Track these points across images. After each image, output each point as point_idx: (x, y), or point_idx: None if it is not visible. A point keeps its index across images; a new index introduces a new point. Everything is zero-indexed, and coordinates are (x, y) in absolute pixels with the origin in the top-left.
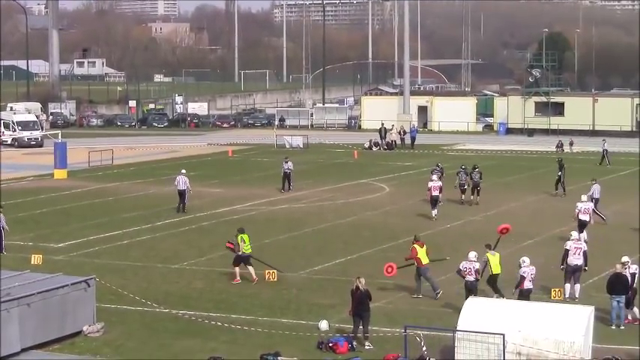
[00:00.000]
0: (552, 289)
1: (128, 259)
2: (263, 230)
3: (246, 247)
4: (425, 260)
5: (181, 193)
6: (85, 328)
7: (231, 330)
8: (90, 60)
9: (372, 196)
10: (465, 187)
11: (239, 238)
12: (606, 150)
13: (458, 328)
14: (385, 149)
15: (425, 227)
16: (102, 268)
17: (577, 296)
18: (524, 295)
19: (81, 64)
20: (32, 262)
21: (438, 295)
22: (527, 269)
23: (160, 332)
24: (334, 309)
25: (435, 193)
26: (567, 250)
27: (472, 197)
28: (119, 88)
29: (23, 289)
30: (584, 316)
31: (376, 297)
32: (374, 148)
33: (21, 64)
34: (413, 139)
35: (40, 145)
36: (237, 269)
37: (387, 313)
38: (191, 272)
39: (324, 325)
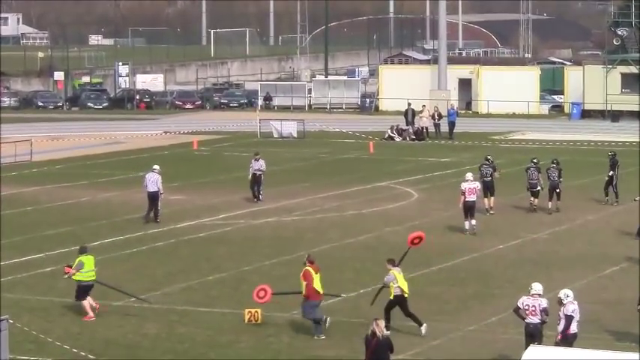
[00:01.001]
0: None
1: (53, 293)
2: (241, 253)
3: (86, 274)
4: (321, 292)
5: (152, 197)
6: None
7: None
8: (1, 16)
9: (393, 205)
10: (538, 188)
11: (77, 260)
12: None
13: None
14: (413, 139)
15: (467, 249)
16: (16, 305)
17: None
18: (569, 341)
19: None
20: None
21: (328, 323)
22: (576, 307)
23: None
24: None
25: (471, 197)
26: None
27: (550, 203)
28: (40, 55)
29: None
30: None
31: (400, 346)
32: (397, 138)
33: None
34: (452, 125)
35: None
36: (85, 302)
37: None
38: (141, 312)
39: None
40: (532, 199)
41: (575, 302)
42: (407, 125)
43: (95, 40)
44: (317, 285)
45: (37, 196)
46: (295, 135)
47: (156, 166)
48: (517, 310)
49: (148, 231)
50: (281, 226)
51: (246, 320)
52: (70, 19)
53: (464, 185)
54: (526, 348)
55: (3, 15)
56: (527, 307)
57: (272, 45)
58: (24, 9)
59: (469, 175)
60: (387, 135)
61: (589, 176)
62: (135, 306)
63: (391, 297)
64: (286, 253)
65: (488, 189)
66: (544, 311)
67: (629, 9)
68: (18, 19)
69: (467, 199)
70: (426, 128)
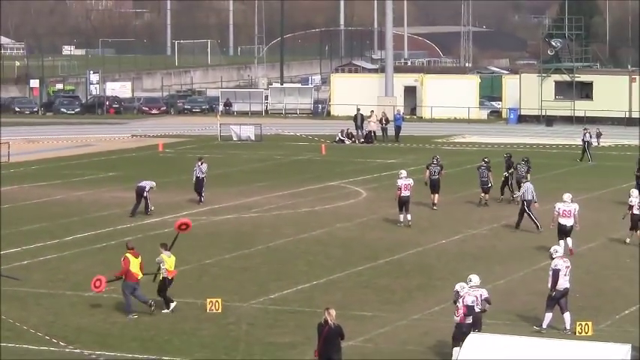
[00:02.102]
0: (578, 323)
1: (28, 284)
2: (204, 247)
3: None
4: (140, 274)
5: (138, 192)
6: None
7: None
8: None
9: (344, 203)
10: (489, 185)
11: None
12: (588, 142)
13: None
14: (362, 142)
15: (412, 243)
16: None
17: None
18: (463, 331)
19: None
20: None
21: (153, 308)
22: (471, 291)
23: None
24: (295, 349)
25: (406, 192)
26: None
27: (515, 194)
28: (17, 64)
29: None
30: (619, 356)
31: (350, 333)
32: (347, 141)
33: None
34: (398, 129)
35: None
36: None
37: (365, 355)
38: (110, 301)
39: None
40: (483, 194)
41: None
42: (356, 129)
43: (68, 50)
44: (134, 268)
45: (14, 194)
46: (253, 138)
47: None
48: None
49: (117, 227)
50: (240, 222)
51: (207, 309)
52: (44, 30)
53: (399, 182)
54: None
55: None
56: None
57: (232, 55)
58: (1, 21)
59: (403, 172)
60: (337, 138)
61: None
62: (104, 296)
63: (160, 278)
64: (245, 247)
65: (434, 187)
66: (486, 300)
67: (563, 22)
68: None
69: (402, 195)
70: (374, 132)
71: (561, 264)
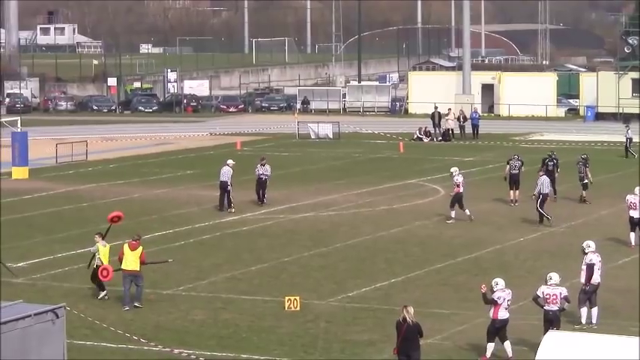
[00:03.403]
0: None
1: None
2: (282, 245)
3: None
4: (132, 266)
5: (222, 186)
6: None
7: None
8: (57, 26)
9: (422, 201)
10: (584, 181)
11: None
12: (630, 138)
13: None
14: (440, 140)
15: (490, 241)
16: (74, 293)
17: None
18: (496, 326)
19: (46, 32)
20: None
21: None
22: (502, 294)
23: None
24: (374, 347)
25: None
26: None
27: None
28: (95, 62)
29: None
30: None
31: (428, 331)
32: (425, 139)
33: None
34: (475, 127)
35: None
36: None
37: (443, 352)
38: (189, 299)
39: None
40: (583, 192)
41: (508, 290)
42: (434, 127)
43: (145, 48)
44: (128, 258)
45: (92, 192)
46: (331, 136)
47: (230, 161)
48: (536, 298)
49: (196, 225)
50: (318, 220)
51: (286, 307)
52: (121, 29)
53: (458, 179)
54: (545, 333)
55: (60, 25)
56: (547, 296)
57: (309, 53)
58: (79, 20)
59: (456, 169)
60: (415, 136)
61: (602, 174)
62: (183, 294)
63: (94, 267)
64: (323, 245)
65: (514, 182)
66: (565, 299)
67: (639, 19)
68: (74, 29)
69: (459, 192)
70: (452, 130)
71: (595, 258)
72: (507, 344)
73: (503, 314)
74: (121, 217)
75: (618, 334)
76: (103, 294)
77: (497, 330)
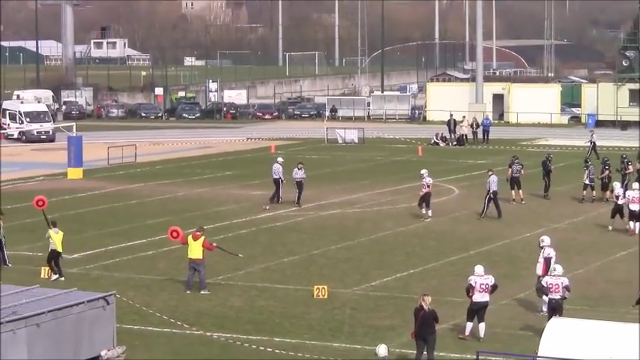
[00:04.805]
0: None
1: (153, 272)
2: (311, 240)
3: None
4: (193, 254)
5: (275, 182)
6: (103, 353)
7: (274, 355)
8: (109, 40)
9: (438, 200)
10: (606, 181)
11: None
12: (594, 142)
13: (539, 354)
14: (455, 145)
15: (499, 236)
16: (123, 282)
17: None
18: (473, 308)
19: (99, 46)
20: (42, 276)
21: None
22: (477, 279)
23: (191, 358)
24: (394, 331)
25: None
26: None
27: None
28: (143, 73)
29: (32, 307)
30: None
31: (444, 317)
32: (441, 144)
33: (30, 45)
34: (486, 132)
35: (52, 140)
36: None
37: (457, 337)
38: (227, 288)
39: (382, 350)
40: (603, 193)
41: (488, 276)
42: (449, 133)
43: (189, 61)
44: (192, 247)
45: (140, 191)
46: (356, 141)
47: (280, 158)
48: (541, 288)
49: (233, 220)
50: (344, 216)
51: (314, 295)
52: (168, 43)
53: (426, 180)
54: (549, 320)
55: (112, 40)
56: (550, 286)
57: (337, 66)
58: (129, 35)
59: (425, 172)
60: (432, 141)
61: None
62: (222, 283)
63: (49, 250)
64: (349, 239)
65: (516, 184)
66: (566, 288)
67: (636, 35)
68: (124, 43)
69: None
70: (466, 136)
71: (552, 252)
72: (482, 326)
73: (478, 297)
74: (44, 201)
75: (615, 321)
76: (55, 277)
77: (474, 311)
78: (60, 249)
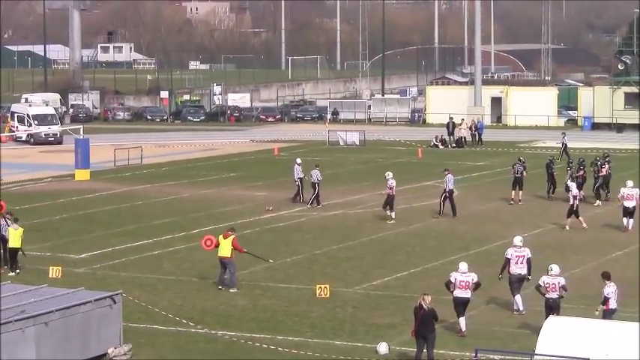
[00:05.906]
0: None
1: (159, 271)
2: (314, 240)
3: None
4: (223, 253)
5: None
6: (110, 351)
7: (277, 353)
8: (116, 45)
9: (438, 201)
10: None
11: None
12: (566, 144)
13: (536, 352)
14: (454, 147)
15: (498, 236)
16: (129, 282)
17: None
18: (456, 303)
19: (106, 50)
20: (50, 276)
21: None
22: (458, 276)
23: (196, 355)
24: (395, 329)
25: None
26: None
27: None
28: (149, 77)
29: (40, 306)
30: None
31: (443, 316)
32: (441, 146)
33: (37, 49)
34: (479, 134)
35: (59, 142)
36: None
37: (456, 335)
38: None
39: (383, 348)
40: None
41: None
42: (448, 135)
43: (194, 65)
44: (223, 245)
45: (146, 192)
46: (358, 143)
47: (298, 159)
48: (538, 287)
49: (238, 221)
50: (346, 217)
51: (317, 294)
52: (173, 47)
53: (390, 182)
54: (546, 318)
55: (118, 44)
56: (547, 285)
57: (339, 69)
58: (135, 39)
59: (390, 174)
60: (432, 143)
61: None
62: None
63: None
64: (350, 239)
65: (518, 184)
66: (563, 287)
67: (632, 40)
68: (130, 47)
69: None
70: (465, 138)
71: (529, 252)
72: (462, 320)
73: (459, 293)
74: (2, 206)
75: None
76: (13, 274)
77: (457, 306)
78: (18, 245)
